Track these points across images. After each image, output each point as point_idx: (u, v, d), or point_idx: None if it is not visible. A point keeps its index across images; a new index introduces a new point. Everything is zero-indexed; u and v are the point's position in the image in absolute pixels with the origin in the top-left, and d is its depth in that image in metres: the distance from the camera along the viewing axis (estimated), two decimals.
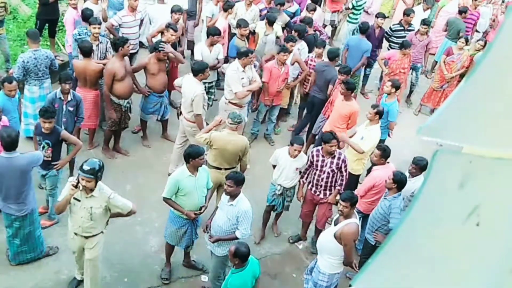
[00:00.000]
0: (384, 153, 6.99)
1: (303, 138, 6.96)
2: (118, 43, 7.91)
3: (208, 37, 9.06)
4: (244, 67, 8.27)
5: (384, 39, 11.31)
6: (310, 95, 9.39)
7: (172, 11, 9.30)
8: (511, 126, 1.37)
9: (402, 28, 11.31)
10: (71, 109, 7.34)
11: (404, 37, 11.00)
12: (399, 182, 6.39)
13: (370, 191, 7.01)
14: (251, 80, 8.46)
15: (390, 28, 11.50)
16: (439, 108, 1.33)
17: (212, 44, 8.95)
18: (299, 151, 6.91)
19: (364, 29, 10.47)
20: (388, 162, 7.06)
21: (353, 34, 12.47)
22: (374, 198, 6.95)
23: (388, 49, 11.34)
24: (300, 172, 7.16)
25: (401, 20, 11.50)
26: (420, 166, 6.96)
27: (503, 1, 14.26)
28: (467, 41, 10.84)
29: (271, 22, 9.85)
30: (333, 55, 9.18)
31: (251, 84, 8.46)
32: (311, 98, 9.35)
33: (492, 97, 1.37)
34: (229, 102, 8.42)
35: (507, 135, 1.38)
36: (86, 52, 7.88)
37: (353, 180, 7.86)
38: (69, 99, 7.31)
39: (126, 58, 8.15)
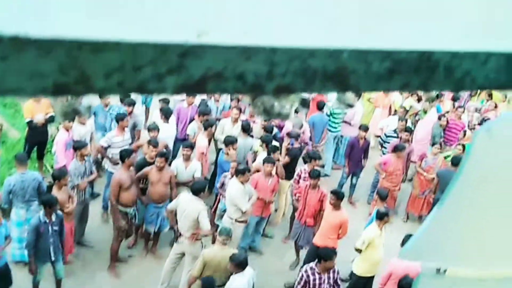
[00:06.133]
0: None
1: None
2: (123, 155, 8.25)
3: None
4: (243, 183, 8.35)
5: (369, 148, 11.58)
6: None
7: (149, 129, 9.60)
8: (491, 245, 1.39)
9: (396, 135, 11.59)
10: (56, 228, 7.29)
11: None
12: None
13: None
14: (249, 195, 8.55)
15: (385, 135, 11.83)
16: (417, 230, 1.36)
17: (187, 159, 9.07)
18: None
19: (320, 107, 11.64)
20: None
21: (337, 144, 12.70)
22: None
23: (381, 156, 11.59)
24: None
25: (396, 128, 11.79)
26: None
27: (476, 110, 14.61)
28: (441, 146, 11.18)
29: (245, 130, 10.19)
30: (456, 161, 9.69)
31: (251, 199, 8.54)
32: None
33: (468, 218, 1.41)
34: (236, 220, 8.41)
35: (488, 255, 1.39)
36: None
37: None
38: (53, 219, 7.26)
39: (132, 168, 8.43)
